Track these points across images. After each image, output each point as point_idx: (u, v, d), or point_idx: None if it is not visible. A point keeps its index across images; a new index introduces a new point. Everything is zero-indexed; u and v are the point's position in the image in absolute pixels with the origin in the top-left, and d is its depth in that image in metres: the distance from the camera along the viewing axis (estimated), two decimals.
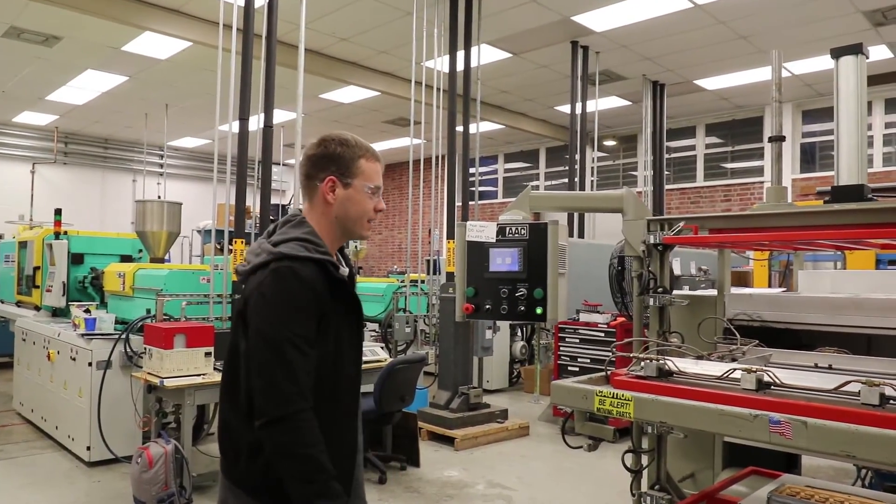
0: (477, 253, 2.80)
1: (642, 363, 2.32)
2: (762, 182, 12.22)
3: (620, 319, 6.63)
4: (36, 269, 7.53)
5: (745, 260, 10.84)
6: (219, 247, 7.50)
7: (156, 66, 10.22)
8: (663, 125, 11.26)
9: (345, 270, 1.87)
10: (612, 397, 2.11)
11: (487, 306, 2.78)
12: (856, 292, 3.26)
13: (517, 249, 2.72)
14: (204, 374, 4.60)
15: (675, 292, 2.83)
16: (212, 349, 4.71)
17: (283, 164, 15.00)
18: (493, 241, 2.76)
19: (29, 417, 6.69)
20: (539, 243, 2.69)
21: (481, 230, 2.77)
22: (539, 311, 2.67)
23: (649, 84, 10.83)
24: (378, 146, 15.95)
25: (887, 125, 11.12)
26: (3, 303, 8.75)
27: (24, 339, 6.94)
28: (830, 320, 2.97)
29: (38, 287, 7.48)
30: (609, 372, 2.42)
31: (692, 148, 13.27)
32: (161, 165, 15.54)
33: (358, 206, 1.85)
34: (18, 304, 8.14)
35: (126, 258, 7.75)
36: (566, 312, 2.79)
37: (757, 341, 2.84)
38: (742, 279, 9.04)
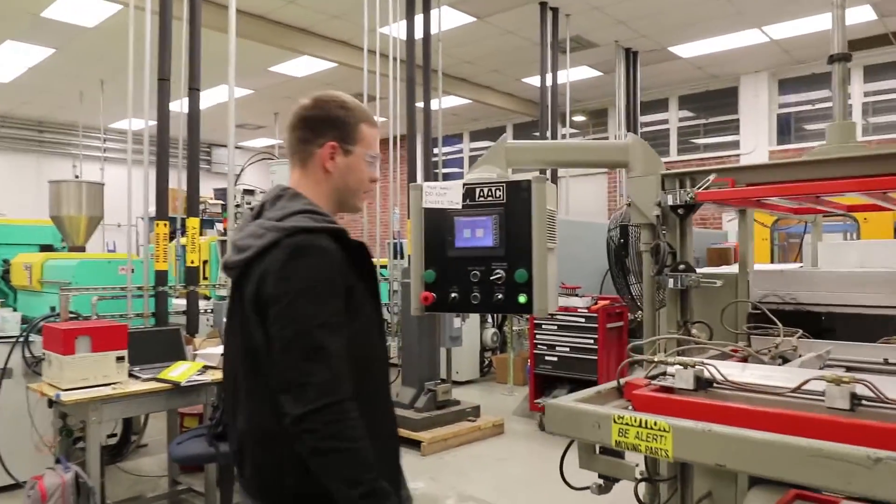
0: (438, 224, 2.10)
1: (670, 369, 1.64)
2: (738, 155, 11.72)
3: (602, 303, 6.00)
4: None
5: (723, 236, 10.34)
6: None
7: (83, 35, 9.22)
8: (637, 96, 10.67)
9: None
10: (640, 426, 1.43)
11: (454, 295, 2.08)
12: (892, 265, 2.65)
13: (491, 217, 2.02)
14: (116, 384, 3.82)
15: (701, 270, 2.16)
16: (125, 353, 3.92)
17: (238, 148, 14.12)
18: (459, 206, 2.06)
19: None
20: (521, 208, 1.99)
21: (443, 193, 2.07)
22: (523, 299, 1.98)
23: (622, 52, 10.21)
24: None
25: (866, 94, 10.68)
26: None
27: None
28: (888, 301, 2.34)
29: None
30: (622, 382, 1.74)
31: (665, 122, 12.72)
32: (103, 150, 14.48)
33: (358, 175, 1.72)
34: None
35: (47, 248, 6.85)
36: (557, 299, 2.10)
37: (800, 331, 2.20)
38: (723, 257, 8.50)
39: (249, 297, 1.58)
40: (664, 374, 1.75)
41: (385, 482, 1.48)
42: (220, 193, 11.60)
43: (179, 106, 5.62)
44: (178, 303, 5.18)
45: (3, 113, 13.85)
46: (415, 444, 5.58)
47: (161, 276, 4.76)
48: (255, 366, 1.58)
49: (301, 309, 1.48)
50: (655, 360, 1.65)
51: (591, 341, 5.88)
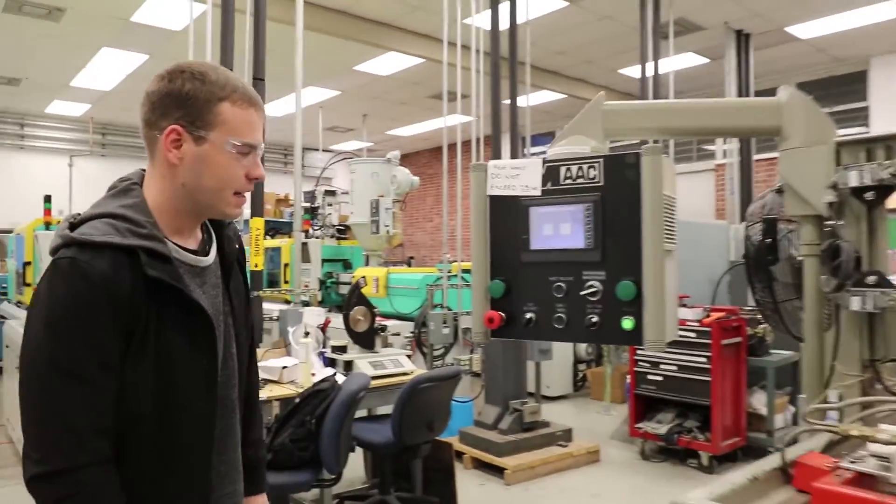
0: (509, 217, 1.54)
1: (874, 446, 1.00)
2: None
3: (716, 315, 5.20)
4: (26, 264, 6.64)
5: None
6: None
7: (173, 38, 9.25)
8: (749, 85, 9.67)
9: (204, 258, 1.37)
10: None
11: (529, 315, 1.51)
12: None
13: (583, 207, 1.44)
14: None
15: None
16: None
17: (324, 151, 14.11)
18: (538, 193, 1.49)
19: (12, 436, 5.81)
20: (625, 193, 1.40)
21: (515, 175, 1.51)
22: (629, 324, 1.38)
23: (732, 34, 9.27)
24: (422, 126, 14.71)
25: None
26: (9, 302, 8.00)
27: (7, 346, 6.06)
28: None
29: (29, 285, 6.59)
30: (788, 461, 1.12)
31: None
32: None
33: (216, 170, 1.30)
34: (18, 303, 7.31)
35: None
36: (677, 324, 1.48)
37: None
38: None
39: None
40: (843, 440, 1.11)
41: None
42: (308, 196, 11.53)
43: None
44: None
45: (107, 121, 14.39)
46: (497, 471, 5.00)
47: None
48: None
49: (39, 347, 1.19)
50: (854, 432, 1.01)
51: (704, 359, 5.10)
